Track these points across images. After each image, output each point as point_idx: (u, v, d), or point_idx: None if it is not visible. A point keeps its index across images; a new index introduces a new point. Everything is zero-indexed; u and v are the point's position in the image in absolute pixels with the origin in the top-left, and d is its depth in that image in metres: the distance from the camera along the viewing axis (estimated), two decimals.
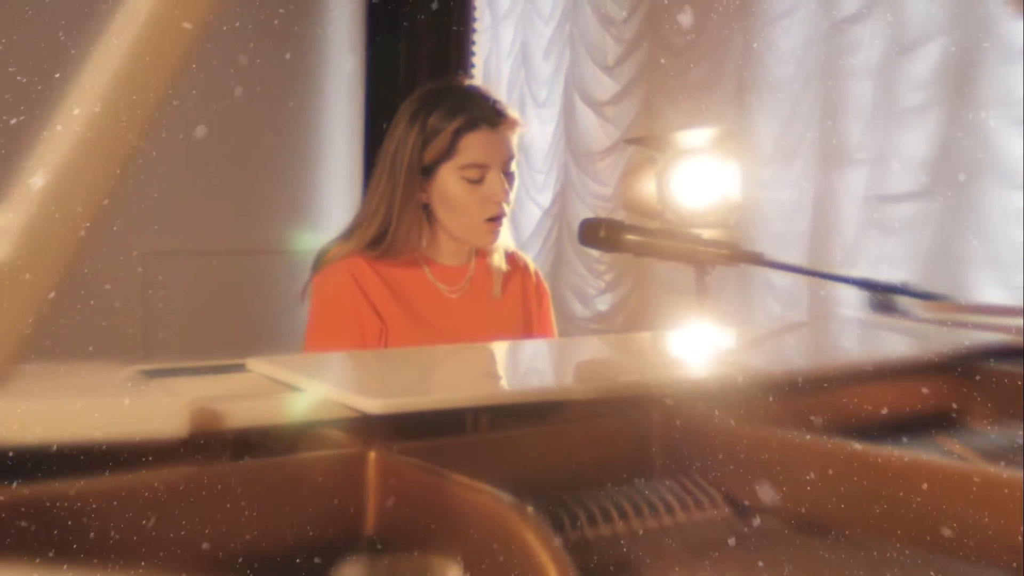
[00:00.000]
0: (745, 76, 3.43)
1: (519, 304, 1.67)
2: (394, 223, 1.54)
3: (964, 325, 1.23)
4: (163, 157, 3.80)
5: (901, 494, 0.62)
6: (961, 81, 2.74)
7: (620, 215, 2.94)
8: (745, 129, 3.38)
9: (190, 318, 4.15)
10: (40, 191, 0.45)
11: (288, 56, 4.48)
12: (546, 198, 4.31)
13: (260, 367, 0.81)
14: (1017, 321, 1.19)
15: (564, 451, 0.76)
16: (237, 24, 4.18)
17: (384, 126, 1.61)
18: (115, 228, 3.80)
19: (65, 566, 0.49)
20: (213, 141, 4.09)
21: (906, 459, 0.64)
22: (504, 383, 0.91)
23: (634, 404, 0.78)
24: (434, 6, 4.46)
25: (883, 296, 1.44)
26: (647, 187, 2.82)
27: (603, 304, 4.01)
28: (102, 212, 0.45)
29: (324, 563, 0.60)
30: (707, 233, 2.59)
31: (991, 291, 2.73)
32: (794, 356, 1.15)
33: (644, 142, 2.86)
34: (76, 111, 0.46)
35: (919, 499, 0.61)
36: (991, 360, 0.98)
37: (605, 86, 4.04)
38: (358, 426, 0.69)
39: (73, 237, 0.45)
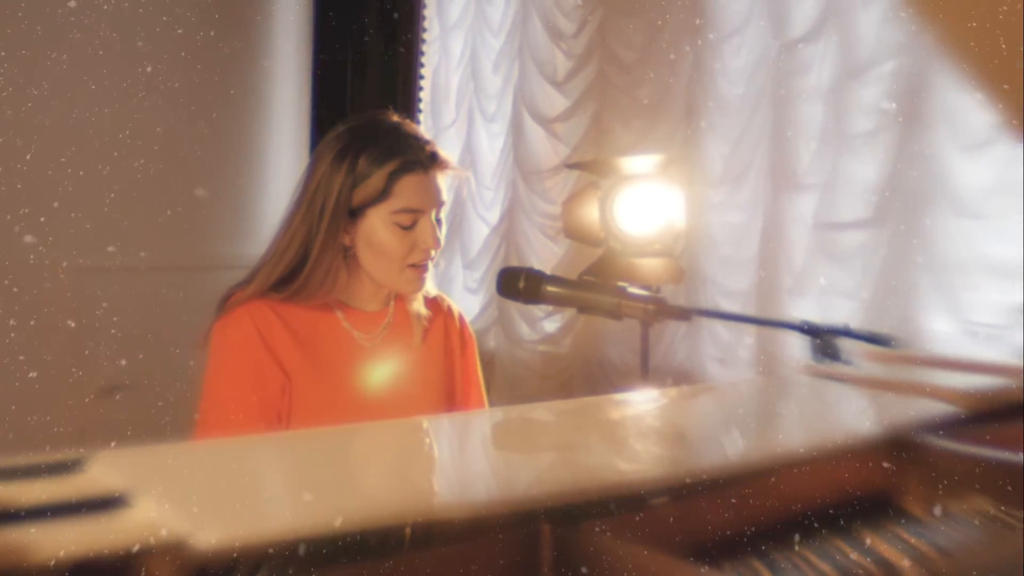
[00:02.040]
0: (695, 95, 3.36)
1: (441, 353, 1.56)
2: (310, 264, 1.42)
3: (903, 384, 1.16)
4: (113, 174, 3.69)
5: None
6: (912, 106, 2.69)
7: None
8: (695, 150, 3.31)
9: (125, 339, 3.99)
10: None
11: (233, 56, 4.37)
12: (494, 215, 4.22)
13: (98, 467, 0.68)
14: (961, 380, 1.12)
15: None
16: (180, 31, 4.07)
17: None
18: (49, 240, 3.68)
19: None
20: (156, 155, 3.96)
21: None
22: (367, 500, 0.79)
23: (521, 520, 0.68)
24: (395, 15, 4.36)
25: (825, 340, 1.37)
26: (590, 213, 2.73)
27: (550, 326, 3.92)
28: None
29: None
30: (648, 263, 2.50)
31: (940, 320, 2.68)
32: (709, 443, 1.05)
33: (587, 167, 2.77)
34: None
35: None
36: (928, 432, 0.90)
37: (555, 102, 3.96)
38: (187, 557, 0.58)
39: None
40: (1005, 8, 0.87)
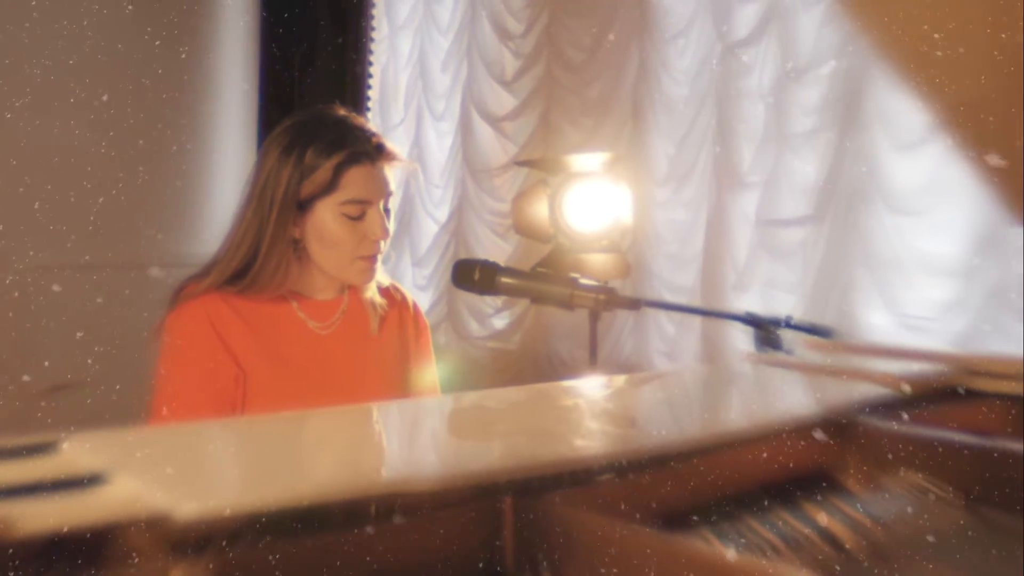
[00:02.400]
0: (641, 95, 3.44)
1: (396, 340, 1.59)
2: (261, 258, 1.43)
3: (842, 370, 1.21)
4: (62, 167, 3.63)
5: None
6: (849, 107, 2.78)
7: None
8: (641, 149, 3.39)
9: (75, 337, 3.94)
10: None
11: (183, 56, 4.33)
12: (443, 213, 4.26)
13: (73, 449, 0.70)
14: (894, 366, 1.18)
15: (408, 549, 0.68)
16: (130, 28, 4.02)
17: None
18: None
19: None
20: (102, 154, 3.91)
21: (725, 560, 0.59)
22: (335, 474, 0.82)
23: (484, 493, 0.71)
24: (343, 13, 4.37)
25: (767, 331, 1.42)
26: (539, 210, 2.77)
27: (500, 322, 3.97)
28: None
29: None
30: (596, 259, 2.56)
31: (876, 314, 2.78)
32: (656, 422, 1.09)
33: (536, 165, 2.81)
34: None
35: None
36: (864, 413, 0.95)
37: (503, 101, 4.01)
38: (167, 529, 0.60)
39: None
40: (942, 12, 0.93)
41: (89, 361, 3.70)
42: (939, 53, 0.95)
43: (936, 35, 0.93)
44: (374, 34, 4.58)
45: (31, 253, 3.87)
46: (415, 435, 0.95)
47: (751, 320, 1.40)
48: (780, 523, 0.82)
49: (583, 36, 3.68)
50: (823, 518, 0.83)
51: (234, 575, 0.55)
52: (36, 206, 3.71)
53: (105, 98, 3.79)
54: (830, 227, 2.83)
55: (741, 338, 1.42)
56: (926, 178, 2.63)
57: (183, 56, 4.34)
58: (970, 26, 0.92)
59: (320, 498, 0.67)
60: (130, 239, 4.21)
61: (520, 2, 3.94)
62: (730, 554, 0.61)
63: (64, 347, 3.85)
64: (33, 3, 3.80)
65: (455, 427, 0.99)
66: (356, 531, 0.66)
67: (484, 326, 4.00)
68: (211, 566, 0.56)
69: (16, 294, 3.84)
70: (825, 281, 2.85)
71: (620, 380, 1.40)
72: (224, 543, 0.59)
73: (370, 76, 4.58)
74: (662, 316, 3.31)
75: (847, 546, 0.78)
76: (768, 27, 3.01)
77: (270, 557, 0.59)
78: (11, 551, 0.55)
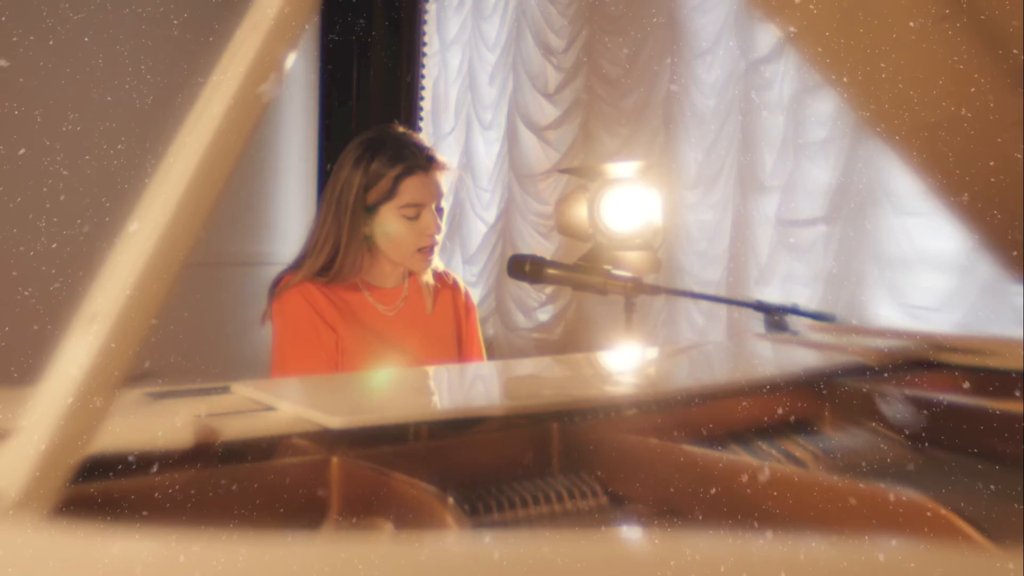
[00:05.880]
0: (672, 106, 3.70)
1: (450, 318, 1.90)
2: (341, 253, 1.76)
3: (837, 345, 1.41)
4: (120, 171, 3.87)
5: (729, 487, 0.81)
6: (859, 119, 3.01)
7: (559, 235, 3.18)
8: (672, 156, 3.64)
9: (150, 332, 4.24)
10: None
11: None
12: (491, 215, 4.52)
13: (242, 390, 1.02)
14: (879, 343, 1.38)
15: (484, 454, 0.96)
16: (194, 36, 4.29)
17: (338, 144, 1.79)
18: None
19: None
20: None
21: (728, 462, 0.83)
22: (435, 403, 1.14)
23: (538, 419, 0.99)
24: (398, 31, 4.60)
25: (776, 316, 1.70)
26: (579, 212, 3.09)
27: (544, 315, 4.23)
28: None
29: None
30: (630, 256, 2.87)
31: (883, 305, 3.02)
32: (678, 376, 1.37)
33: (577, 171, 3.13)
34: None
35: (742, 491, 0.80)
36: (843, 377, 1.19)
37: (546, 112, 4.26)
38: (324, 437, 0.89)
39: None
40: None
41: (163, 351, 4.00)
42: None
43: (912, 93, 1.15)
44: (426, 49, 4.84)
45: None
46: (485, 383, 1.28)
47: (761, 307, 1.67)
48: (765, 452, 1.08)
49: (619, 52, 3.93)
50: (798, 450, 1.07)
51: (367, 466, 0.80)
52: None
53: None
54: (842, 227, 3.08)
55: (761, 326, 1.59)
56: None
57: None
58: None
59: (426, 415, 0.99)
60: (203, 240, 4.51)
61: (562, 20, 4.20)
62: (727, 457, 0.85)
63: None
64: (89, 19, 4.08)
65: (513, 377, 1.31)
66: (448, 440, 0.96)
67: (529, 318, 4.27)
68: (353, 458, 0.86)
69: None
70: (838, 275, 3.09)
71: (647, 350, 1.68)
72: (360, 444, 0.89)
73: (423, 88, 4.85)
74: (692, 308, 3.57)
75: (808, 466, 1.01)
76: (786, 47, 3.25)
77: (390, 454, 0.88)
78: (220, 453, 0.87)
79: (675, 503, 0.85)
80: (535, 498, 0.87)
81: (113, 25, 4.01)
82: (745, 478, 0.82)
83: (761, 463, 0.81)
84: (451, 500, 0.70)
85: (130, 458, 0.75)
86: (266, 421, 0.91)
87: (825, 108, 3.12)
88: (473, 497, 0.85)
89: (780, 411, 1.18)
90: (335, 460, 0.83)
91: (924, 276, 2.91)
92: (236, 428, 0.86)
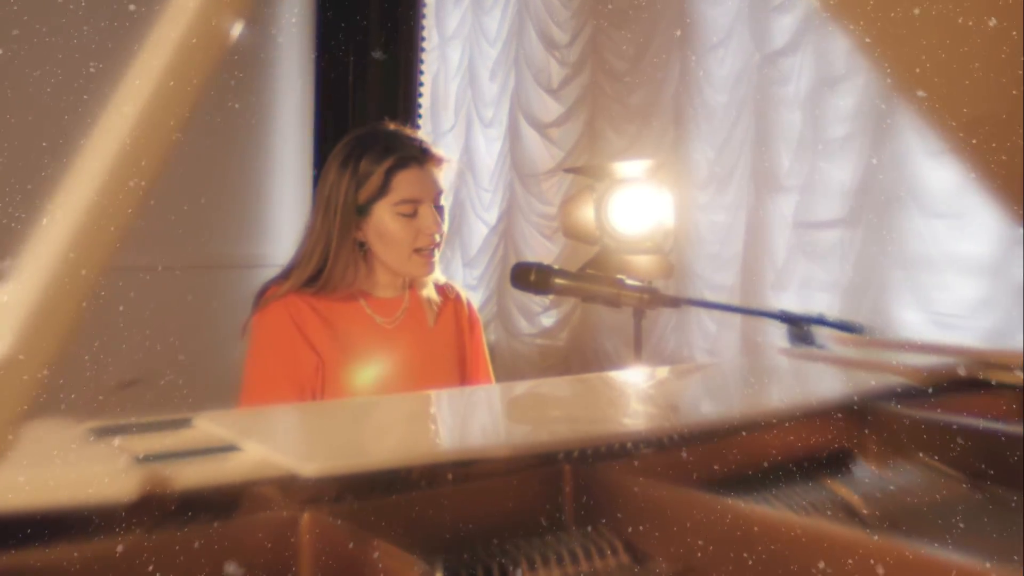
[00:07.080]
0: (682, 102, 3.56)
1: (453, 333, 1.76)
2: (331, 261, 1.62)
3: (872, 362, 1.30)
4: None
5: (765, 547, 0.70)
6: (881, 114, 2.89)
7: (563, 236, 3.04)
8: (682, 154, 3.51)
9: (140, 337, 4.16)
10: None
11: (240, 74, 4.51)
12: (492, 216, 4.40)
13: (205, 424, 0.88)
14: (918, 359, 1.28)
15: (484, 503, 0.84)
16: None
17: (332, 142, 1.67)
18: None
19: None
20: (171, 168, 4.10)
21: (767, 516, 0.73)
22: (430, 443, 0.99)
23: (547, 460, 0.87)
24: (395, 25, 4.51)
25: (801, 328, 1.56)
26: (586, 214, 2.94)
27: (548, 320, 4.11)
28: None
29: None
30: (640, 260, 2.71)
31: (909, 312, 2.88)
32: (696, 406, 1.24)
33: (583, 171, 2.97)
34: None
35: (776, 552, 0.69)
36: (885, 401, 1.06)
37: (549, 108, 4.14)
38: (295, 486, 0.77)
39: None
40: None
41: (154, 358, 3.91)
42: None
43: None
44: (424, 44, 4.73)
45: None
46: (487, 414, 1.13)
47: (785, 317, 1.53)
48: (803, 493, 0.96)
49: (626, 46, 3.81)
50: (843, 490, 0.96)
51: (342, 523, 0.70)
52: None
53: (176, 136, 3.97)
54: (864, 229, 2.94)
55: (778, 335, 1.48)
56: (956, 182, 2.72)
57: (238, 71, 4.51)
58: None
59: (417, 459, 0.85)
60: (195, 243, 4.41)
61: (565, 13, 4.07)
62: (761, 510, 0.74)
63: (132, 345, 4.07)
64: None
65: (518, 408, 1.17)
66: (442, 489, 0.83)
67: (533, 324, 4.15)
68: (328, 515, 0.73)
69: (103, 293, 4.07)
70: (860, 281, 2.96)
71: (662, 371, 1.56)
72: (337, 497, 0.76)
73: (421, 85, 4.73)
74: (704, 314, 3.43)
75: (863, 512, 0.92)
76: (804, 38, 3.12)
77: (373, 508, 0.77)
78: (172, 506, 0.73)
79: (703, 562, 0.74)
80: (544, 559, 0.77)
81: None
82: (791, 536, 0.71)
83: (810, 519, 0.72)
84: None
85: (50, 519, 0.61)
86: (228, 465, 0.77)
87: (845, 104, 2.98)
88: (472, 561, 0.75)
89: (818, 442, 1.06)
90: (307, 517, 0.72)
91: (952, 281, 2.77)
92: (191, 475, 0.73)
